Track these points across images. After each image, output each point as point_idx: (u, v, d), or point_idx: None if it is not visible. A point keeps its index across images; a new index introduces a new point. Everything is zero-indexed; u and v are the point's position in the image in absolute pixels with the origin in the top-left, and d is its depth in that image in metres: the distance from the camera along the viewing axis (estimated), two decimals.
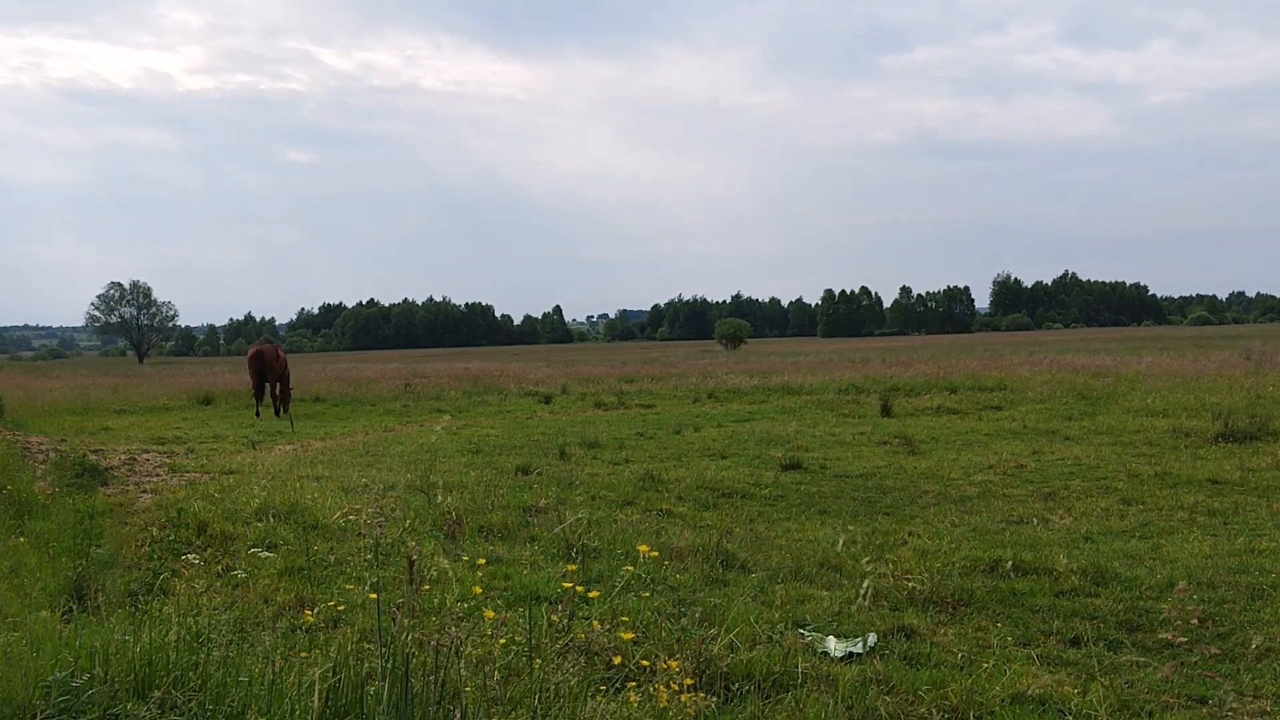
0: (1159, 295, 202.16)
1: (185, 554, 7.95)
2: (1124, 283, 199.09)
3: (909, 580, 7.21)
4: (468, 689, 4.40)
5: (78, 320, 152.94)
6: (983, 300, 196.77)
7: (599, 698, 4.55)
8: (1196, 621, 4.10)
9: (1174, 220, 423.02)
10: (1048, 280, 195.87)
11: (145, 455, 15.74)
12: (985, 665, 5.58)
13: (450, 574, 7.02)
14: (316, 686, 4.25)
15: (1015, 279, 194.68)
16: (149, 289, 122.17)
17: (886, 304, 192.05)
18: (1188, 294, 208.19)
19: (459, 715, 4.04)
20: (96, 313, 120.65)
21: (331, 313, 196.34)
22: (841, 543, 8.35)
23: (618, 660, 5.16)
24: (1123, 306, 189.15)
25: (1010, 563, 7.64)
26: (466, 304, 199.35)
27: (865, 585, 6.41)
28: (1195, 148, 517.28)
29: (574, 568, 6.87)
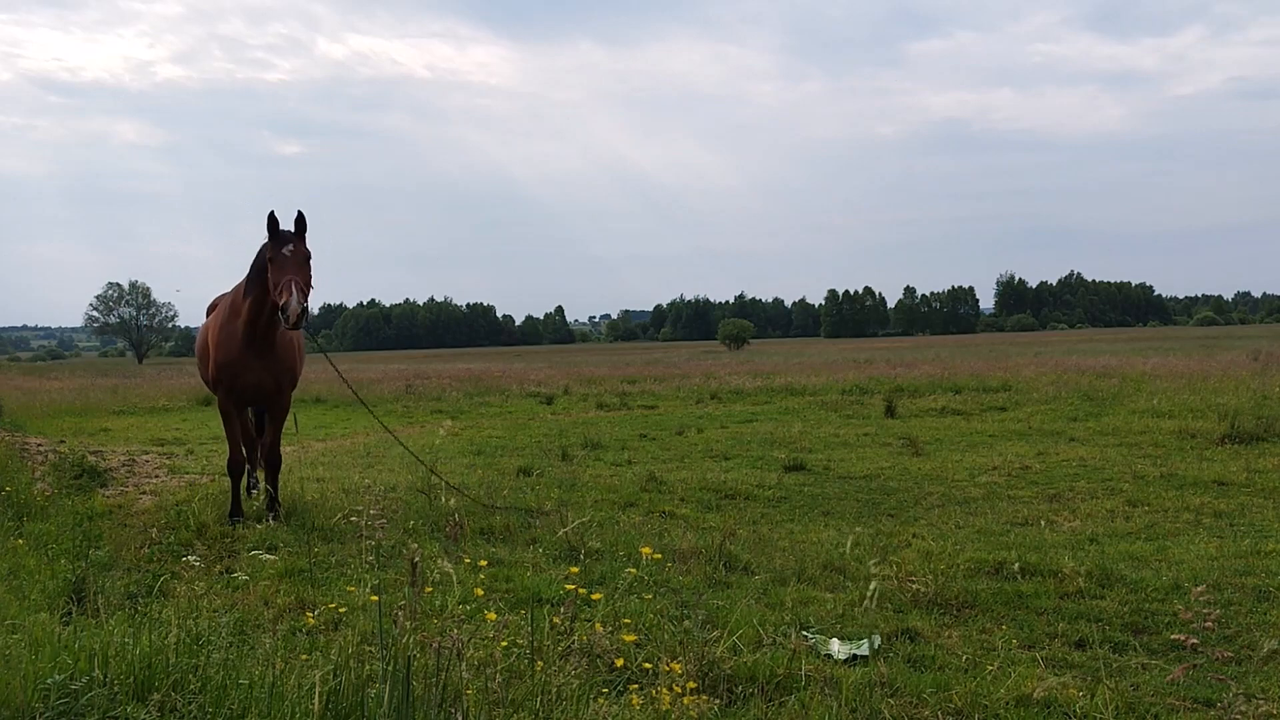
0: (1164, 295, 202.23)
1: (185, 556, 7.92)
2: (1129, 283, 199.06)
3: (913, 582, 7.18)
4: (469, 691, 4.38)
5: (76, 321, 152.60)
6: (987, 300, 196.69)
7: (601, 700, 4.53)
8: (1212, 625, 4.05)
9: (1181, 219, 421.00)
10: (1053, 280, 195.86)
11: (145, 456, 15.72)
12: (990, 668, 5.54)
13: (453, 576, 6.99)
14: (317, 689, 4.22)
15: (1020, 279, 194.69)
16: (148, 289, 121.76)
17: (890, 304, 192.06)
18: (1194, 294, 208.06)
19: (460, 718, 4.01)
20: (95, 313, 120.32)
21: (332, 313, 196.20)
22: (850, 544, 8.31)
23: (620, 663, 5.12)
24: (1128, 307, 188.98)
25: (1015, 565, 7.60)
26: (468, 304, 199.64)
27: (872, 588, 6.37)
28: (1214, 142, 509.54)
29: (576, 570, 6.83)
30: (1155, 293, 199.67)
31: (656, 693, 4.64)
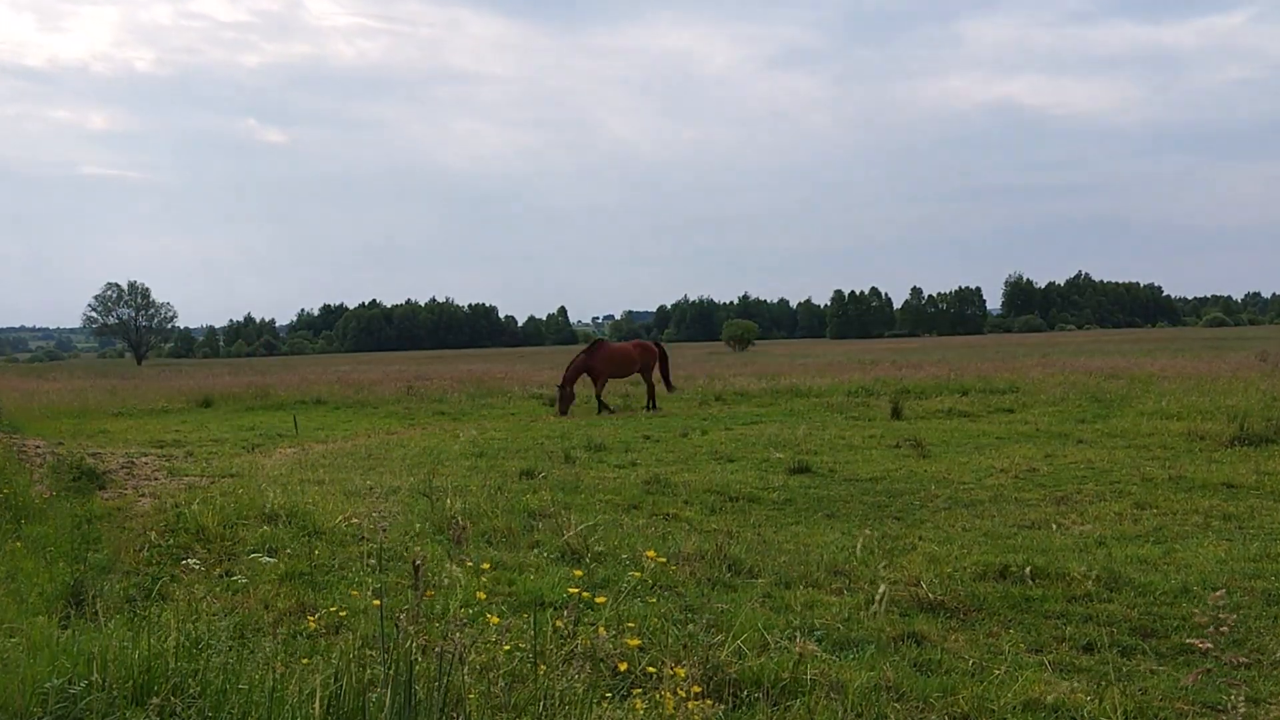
0: (1173, 296, 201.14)
1: (184, 559, 7.89)
2: (1138, 283, 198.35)
3: (919, 586, 7.12)
4: (471, 696, 4.34)
5: (75, 322, 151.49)
6: (994, 301, 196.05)
7: (604, 705, 4.48)
8: (1227, 629, 4.00)
9: (1191, 218, 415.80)
10: (1061, 281, 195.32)
11: (144, 458, 15.69)
12: (997, 672, 5.49)
13: (456, 579, 6.95)
14: (318, 694, 4.19)
15: (1027, 279, 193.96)
16: (147, 289, 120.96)
17: (897, 305, 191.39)
18: (1202, 295, 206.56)
19: None
20: (94, 314, 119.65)
21: (333, 314, 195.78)
22: (860, 546, 8.26)
23: (623, 667, 5.08)
24: (1136, 307, 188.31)
25: (1023, 568, 7.55)
26: (470, 305, 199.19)
27: (881, 591, 6.31)
28: (1228, 137, 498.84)
29: (580, 573, 6.78)
30: (1164, 293, 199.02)
31: (660, 697, 4.59)
